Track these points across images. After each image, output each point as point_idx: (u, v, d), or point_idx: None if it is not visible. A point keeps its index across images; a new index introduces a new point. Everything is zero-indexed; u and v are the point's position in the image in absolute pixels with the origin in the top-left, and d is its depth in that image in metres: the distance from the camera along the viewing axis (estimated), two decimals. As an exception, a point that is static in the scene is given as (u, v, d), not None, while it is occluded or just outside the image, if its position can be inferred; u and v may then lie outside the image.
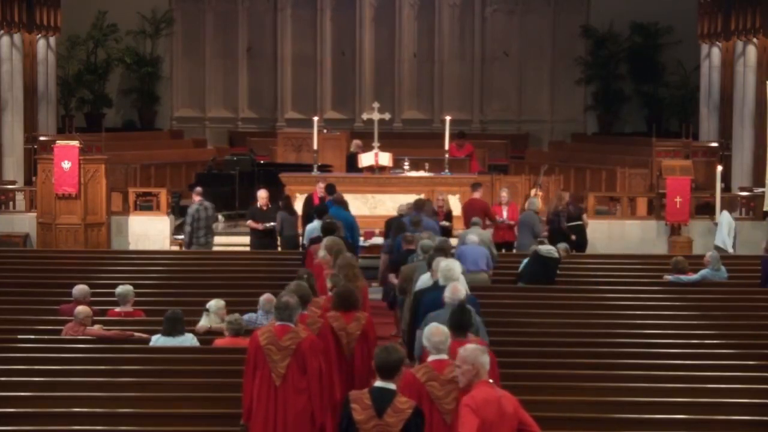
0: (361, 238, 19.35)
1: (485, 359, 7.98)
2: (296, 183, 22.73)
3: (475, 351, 8.03)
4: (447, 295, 10.88)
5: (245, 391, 9.79)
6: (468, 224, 19.56)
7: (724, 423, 10.73)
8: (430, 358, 8.80)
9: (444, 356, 8.74)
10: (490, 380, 8.05)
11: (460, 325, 9.39)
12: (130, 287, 13.89)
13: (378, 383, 8.12)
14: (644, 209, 23.14)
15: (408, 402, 8.09)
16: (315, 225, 17.24)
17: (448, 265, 11.78)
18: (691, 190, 22.33)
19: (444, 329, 8.90)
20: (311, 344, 9.71)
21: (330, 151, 25.40)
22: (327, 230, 15.50)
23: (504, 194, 20.62)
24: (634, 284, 16.66)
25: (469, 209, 19.96)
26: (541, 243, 16.95)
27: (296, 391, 9.57)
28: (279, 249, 19.99)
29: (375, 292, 17.50)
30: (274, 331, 9.72)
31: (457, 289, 10.95)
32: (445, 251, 13.37)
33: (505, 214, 20.22)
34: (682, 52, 30.66)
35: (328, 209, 17.96)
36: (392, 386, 8.09)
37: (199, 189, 20.96)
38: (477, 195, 20.35)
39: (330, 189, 19.77)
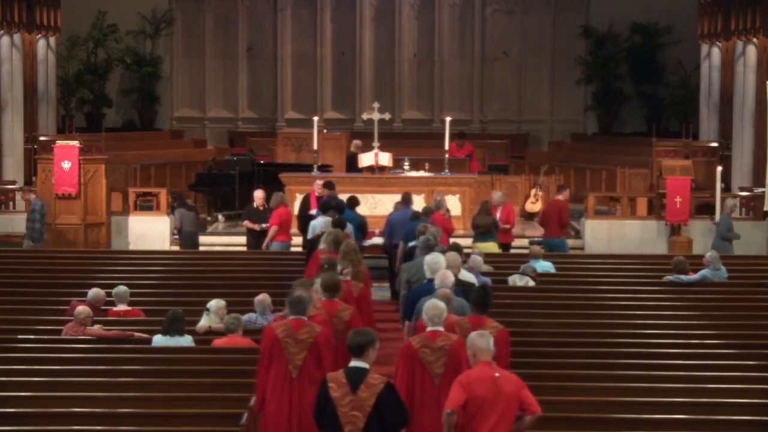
0: (363, 239, 19.36)
1: (480, 342, 8.82)
2: (296, 183, 22.73)
3: (471, 337, 8.95)
4: (437, 282, 11.61)
5: (259, 383, 10.23)
6: (549, 226, 20.04)
7: (724, 423, 10.73)
8: (428, 329, 9.88)
9: (439, 328, 9.87)
10: (492, 361, 8.81)
11: (480, 303, 10.53)
12: (123, 287, 14.05)
13: (352, 363, 8.85)
14: (644, 209, 23.12)
15: (380, 378, 8.83)
16: (320, 221, 17.50)
17: (434, 258, 12.39)
18: (691, 190, 22.32)
19: (440, 304, 10.02)
20: (326, 338, 10.22)
21: (330, 151, 25.38)
22: (336, 226, 15.87)
23: (496, 195, 20.52)
24: (634, 284, 16.64)
25: (549, 211, 20.36)
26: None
27: (311, 382, 9.97)
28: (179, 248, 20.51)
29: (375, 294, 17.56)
30: (291, 324, 10.17)
31: (447, 275, 11.68)
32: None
33: (497, 215, 20.05)
34: (682, 52, 30.66)
35: (343, 208, 18.06)
36: (365, 365, 8.81)
37: (26, 188, 21.57)
38: (560, 197, 20.38)
39: (329, 185, 19.80)
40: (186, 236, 20.69)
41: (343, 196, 19.50)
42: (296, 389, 10.02)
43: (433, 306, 9.96)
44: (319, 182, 20.55)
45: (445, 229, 18.41)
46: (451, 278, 11.67)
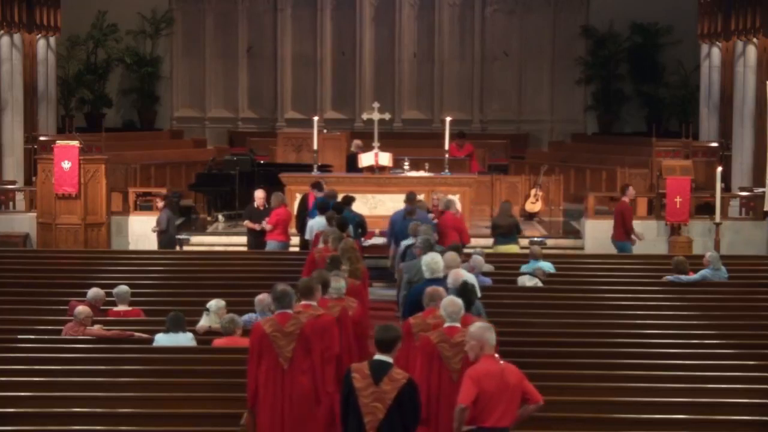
0: (362, 238, 19.38)
1: (490, 335, 9.05)
2: (296, 183, 22.72)
3: (481, 328, 9.11)
4: (450, 281, 11.73)
5: (250, 378, 10.35)
6: (614, 228, 20.22)
7: (724, 423, 10.73)
8: (445, 324, 10.06)
9: (457, 324, 10.00)
10: (496, 355, 9.04)
11: (464, 302, 10.42)
12: (125, 286, 14.04)
13: (377, 356, 9.12)
14: (644, 209, 23.12)
15: (402, 373, 9.13)
16: (318, 220, 17.61)
17: (432, 258, 12.38)
18: (691, 190, 22.32)
19: (458, 301, 10.19)
20: (313, 328, 10.42)
21: (330, 151, 25.39)
22: (339, 225, 16.10)
23: (443, 199, 20.34)
24: (634, 284, 16.65)
25: (615, 213, 20.58)
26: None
27: (301, 372, 10.26)
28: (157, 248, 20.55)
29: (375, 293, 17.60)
30: (277, 319, 10.36)
31: (459, 275, 11.83)
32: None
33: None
34: (682, 52, 30.66)
35: (342, 209, 18.15)
36: (389, 359, 9.10)
37: None
38: (625, 198, 20.39)
39: (317, 186, 19.85)
40: (168, 238, 20.57)
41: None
42: (287, 380, 10.25)
43: (451, 302, 10.14)
44: (320, 183, 20.59)
45: (456, 228, 18.54)
46: (462, 279, 11.72)
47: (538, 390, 9.27)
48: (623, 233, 20.21)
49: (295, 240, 20.48)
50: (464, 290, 10.89)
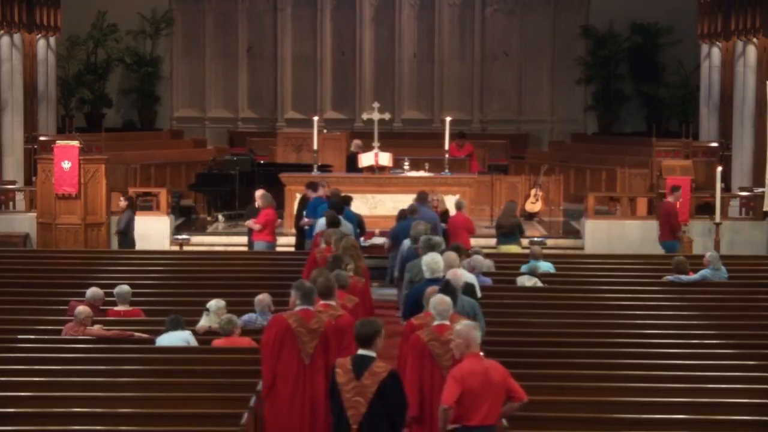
0: (362, 238, 19.39)
1: (476, 334, 9.13)
2: (296, 183, 22.71)
3: (467, 327, 9.20)
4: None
5: (267, 370, 10.48)
6: (660, 229, 20.21)
7: (724, 423, 10.72)
8: (435, 322, 10.21)
9: (446, 322, 10.13)
10: (481, 353, 9.15)
11: None
12: (126, 286, 14.03)
13: (360, 351, 9.27)
14: (644, 209, 23.12)
15: (384, 366, 9.23)
16: (324, 221, 17.63)
17: (432, 258, 12.44)
18: (691, 190, 22.31)
19: (448, 299, 10.37)
20: (333, 328, 10.59)
21: (330, 151, 25.39)
22: (332, 223, 16.32)
23: (438, 197, 20.29)
24: (634, 284, 16.65)
25: (660, 214, 20.58)
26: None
27: (319, 368, 10.45)
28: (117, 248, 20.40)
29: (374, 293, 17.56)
30: (300, 314, 10.51)
31: (458, 274, 11.93)
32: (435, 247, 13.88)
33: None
34: (682, 52, 30.66)
35: (342, 208, 18.22)
36: (372, 354, 9.24)
37: None
38: (670, 198, 20.39)
39: (312, 186, 19.85)
40: (127, 240, 20.46)
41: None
42: (308, 375, 10.43)
43: (440, 301, 10.26)
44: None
45: (467, 229, 18.59)
46: (462, 278, 11.81)
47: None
48: (669, 234, 20.20)
49: (291, 240, 20.49)
50: (447, 289, 10.98)
